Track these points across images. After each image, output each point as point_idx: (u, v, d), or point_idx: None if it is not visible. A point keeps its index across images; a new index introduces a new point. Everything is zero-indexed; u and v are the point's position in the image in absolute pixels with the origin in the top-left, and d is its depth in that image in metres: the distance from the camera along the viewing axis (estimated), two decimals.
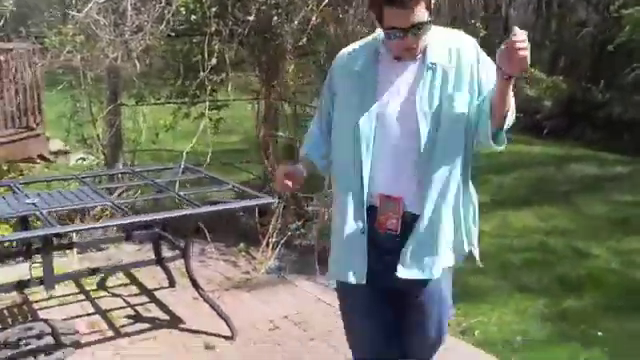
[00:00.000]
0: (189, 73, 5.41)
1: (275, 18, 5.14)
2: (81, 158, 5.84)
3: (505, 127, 2.20)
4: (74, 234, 4.49)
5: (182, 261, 4.11)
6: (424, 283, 2.30)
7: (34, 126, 7.75)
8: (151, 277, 4.60)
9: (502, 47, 2.01)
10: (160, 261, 4.13)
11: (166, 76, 5.90)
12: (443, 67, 2.23)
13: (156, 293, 4.39)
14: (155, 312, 4.14)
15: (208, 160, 5.06)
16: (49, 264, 3.28)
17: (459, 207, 2.31)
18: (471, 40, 2.32)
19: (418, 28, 2.14)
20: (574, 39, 12.18)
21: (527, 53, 1.98)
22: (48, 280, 3.30)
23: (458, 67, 2.24)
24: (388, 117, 2.24)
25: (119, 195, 5.15)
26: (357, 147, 2.25)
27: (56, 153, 8.00)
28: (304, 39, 4.95)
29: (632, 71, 10.39)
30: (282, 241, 5.01)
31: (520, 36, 1.97)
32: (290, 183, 2.33)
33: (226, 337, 3.76)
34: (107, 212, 4.97)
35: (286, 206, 5.22)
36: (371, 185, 2.27)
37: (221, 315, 3.81)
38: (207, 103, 5.05)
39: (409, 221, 2.27)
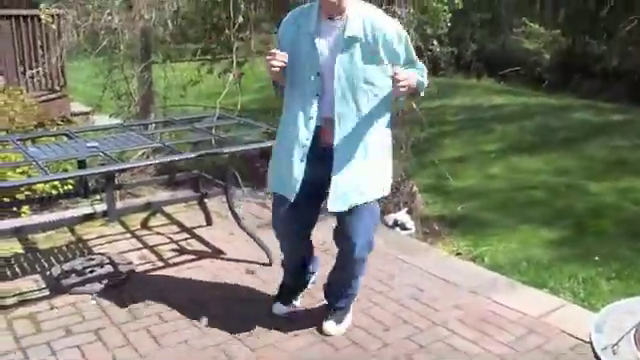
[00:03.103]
0: (212, 32, 5.80)
1: None
2: (114, 113, 6.18)
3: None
4: (116, 180, 4.91)
5: (216, 204, 4.48)
6: None
7: (58, 88, 8.15)
8: (188, 218, 5.02)
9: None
10: (203, 197, 4.49)
11: (192, 34, 6.26)
12: (359, 40, 2.92)
13: (195, 231, 4.78)
14: (197, 246, 4.52)
15: (239, 107, 5.45)
16: (111, 198, 3.69)
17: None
18: (390, 21, 3.02)
19: None
20: None
21: (405, 89, 2.86)
22: (111, 212, 3.69)
23: (373, 42, 2.92)
24: (323, 66, 2.98)
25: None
26: (311, 87, 3.02)
27: (77, 115, 8.38)
28: None
29: (630, 23, 10.70)
30: None
31: (400, 76, 2.79)
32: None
33: (264, 264, 4.17)
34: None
35: None
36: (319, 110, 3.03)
37: (259, 243, 4.18)
38: (235, 58, 5.40)
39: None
